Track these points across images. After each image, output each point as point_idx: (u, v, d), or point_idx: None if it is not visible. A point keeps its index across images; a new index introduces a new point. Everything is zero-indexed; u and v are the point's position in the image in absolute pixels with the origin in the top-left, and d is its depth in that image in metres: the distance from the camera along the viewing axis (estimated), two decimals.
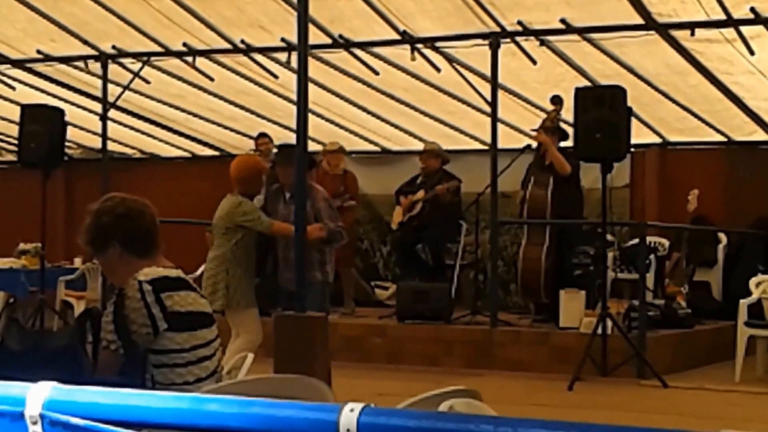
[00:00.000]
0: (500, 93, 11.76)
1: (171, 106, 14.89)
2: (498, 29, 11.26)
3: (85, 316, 4.34)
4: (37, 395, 2.01)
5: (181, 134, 16.11)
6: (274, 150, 13.24)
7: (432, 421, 1.85)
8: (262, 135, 13.42)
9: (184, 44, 12.70)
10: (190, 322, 4.21)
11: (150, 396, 2.05)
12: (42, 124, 11.17)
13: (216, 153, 16.71)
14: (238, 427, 1.93)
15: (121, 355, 4.14)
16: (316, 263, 8.77)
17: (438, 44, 11.87)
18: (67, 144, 12.43)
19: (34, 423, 1.99)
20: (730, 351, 10.33)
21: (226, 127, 15.58)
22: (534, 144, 11.70)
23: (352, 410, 1.84)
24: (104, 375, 4.04)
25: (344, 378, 7.92)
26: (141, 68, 13.13)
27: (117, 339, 4.14)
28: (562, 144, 11.32)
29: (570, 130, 10.64)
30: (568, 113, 10.82)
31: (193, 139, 16.29)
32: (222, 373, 4.41)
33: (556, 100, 11.27)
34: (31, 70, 13.90)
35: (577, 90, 10.15)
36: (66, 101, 14.03)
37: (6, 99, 14.74)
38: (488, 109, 11.68)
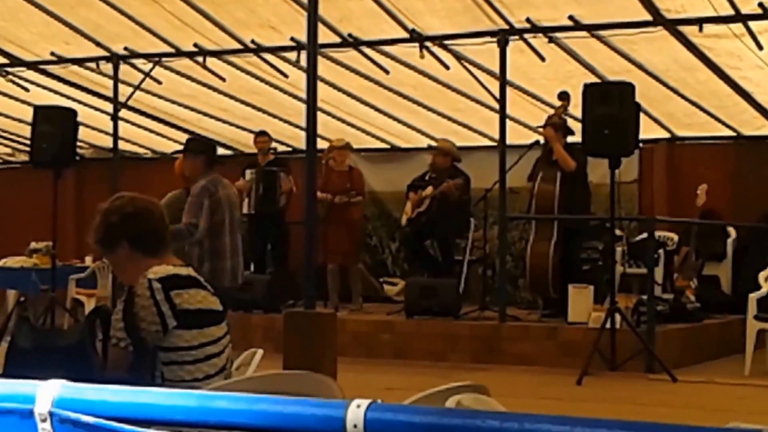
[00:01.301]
0: (509, 90, 11.76)
1: (182, 105, 14.93)
2: (506, 27, 11.25)
3: (95, 313, 4.37)
4: (46, 393, 2.02)
5: (192, 133, 16.12)
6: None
7: (438, 416, 1.86)
8: (262, 133, 13.49)
9: (195, 45, 12.74)
10: (200, 319, 4.24)
11: (159, 393, 2.07)
12: (54, 125, 11.19)
13: (228, 152, 16.73)
14: (246, 424, 1.94)
15: (131, 352, 4.17)
16: (195, 258, 8.25)
17: (447, 42, 11.87)
18: (78, 144, 12.47)
19: (44, 420, 2.01)
20: (739, 345, 10.33)
21: (237, 126, 15.61)
22: (542, 139, 11.73)
23: (358, 406, 1.85)
24: (114, 372, 4.07)
25: (352, 373, 7.94)
26: (152, 69, 13.17)
27: (126, 336, 4.17)
28: (570, 139, 11.33)
29: (578, 126, 10.65)
30: (576, 109, 10.83)
31: (205, 138, 16.32)
32: (231, 370, 4.44)
33: (563, 96, 11.27)
34: (44, 72, 13.95)
35: (586, 86, 10.15)
36: (78, 102, 14.06)
37: (19, 100, 14.80)
38: (497, 105, 11.69)
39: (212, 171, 8.65)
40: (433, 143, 13.91)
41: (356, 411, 1.84)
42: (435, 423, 1.83)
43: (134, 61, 13.28)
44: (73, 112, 11.58)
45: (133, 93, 13.34)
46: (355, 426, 1.83)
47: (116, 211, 4.35)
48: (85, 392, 2.05)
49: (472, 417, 1.84)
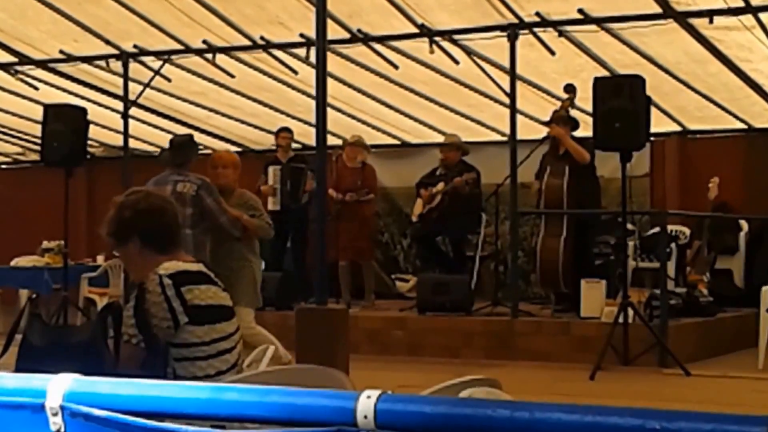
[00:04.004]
0: (519, 84, 11.75)
1: (192, 103, 14.95)
2: (516, 21, 11.24)
3: (107, 310, 4.37)
4: (57, 387, 2.03)
5: (202, 131, 16.14)
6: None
7: (448, 406, 1.85)
8: (285, 129, 13.46)
9: (204, 42, 12.75)
10: (210, 315, 4.23)
11: (169, 386, 2.07)
12: (65, 123, 11.20)
13: (237, 149, 16.74)
14: (257, 416, 1.94)
15: (143, 349, 4.17)
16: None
17: (456, 37, 11.87)
18: (89, 142, 12.49)
19: (55, 414, 2.02)
20: (752, 338, 10.29)
21: (246, 123, 15.62)
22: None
23: (369, 397, 1.85)
24: (126, 369, 4.07)
25: (365, 370, 7.93)
26: (161, 66, 13.19)
27: (138, 333, 4.16)
28: (576, 133, 11.30)
29: (588, 120, 10.62)
30: (586, 103, 10.81)
31: (214, 136, 16.33)
32: (243, 366, 4.43)
33: (569, 89, 11.25)
34: (53, 70, 13.97)
35: (596, 80, 10.12)
36: (88, 100, 14.09)
37: (29, 99, 14.82)
38: (507, 100, 11.68)
39: (168, 168, 8.82)
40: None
41: (367, 402, 1.84)
42: (446, 413, 1.83)
43: (144, 58, 13.30)
44: (84, 111, 11.60)
45: (143, 91, 13.36)
46: (365, 417, 1.83)
47: (129, 206, 4.35)
48: (96, 386, 2.05)
49: (482, 407, 1.83)
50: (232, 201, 8.70)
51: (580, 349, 10.31)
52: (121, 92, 13.50)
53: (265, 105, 14.72)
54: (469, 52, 12.00)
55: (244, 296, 8.56)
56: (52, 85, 14.35)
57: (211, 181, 8.67)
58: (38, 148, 13.45)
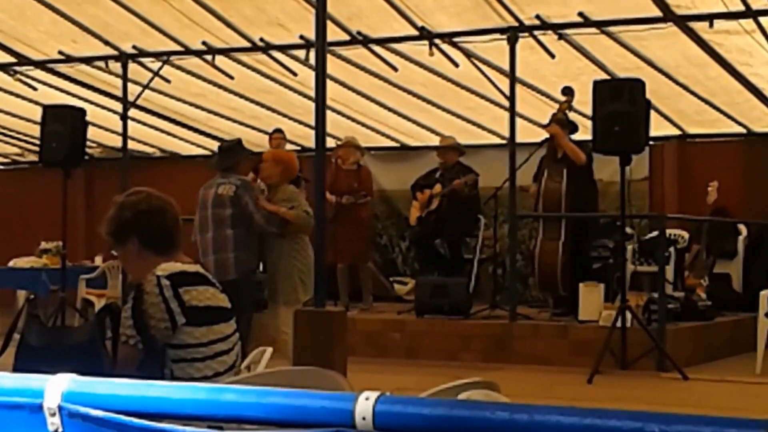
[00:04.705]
0: (518, 87, 11.74)
1: (191, 104, 14.94)
2: (516, 23, 11.25)
3: (105, 311, 4.36)
4: (55, 387, 2.02)
5: (201, 132, 16.16)
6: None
7: (448, 408, 1.85)
8: (277, 130, 13.47)
9: (204, 43, 12.74)
10: (208, 316, 4.22)
11: (167, 386, 2.06)
12: (63, 124, 11.19)
13: None
14: (256, 417, 1.93)
15: (140, 350, 4.16)
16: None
17: (456, 39, 11.87)
18: (88, 143, 12.48)
19: (53, 415, 2.01)
20: (750, 343, 10.28)
21: (246, 125, 15.61)
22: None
23: (367, 399, 1.84)
24: (123, 370, 4.05)
25: (363, 373, 7.91)
26: (161, 67, 13.18)
27: (136, 334, 4.15)
28: (575, 137, 11.30)
29: (587, 123, 10.62)
30: (586, 106, 10.80)
31: (214, 137, 16.32)
32: (240, 368, 4.43)
33: (567, 92, 11.25)
34: (52, 71, 13.96)
35: (596, 83, 10.11)
36: (87, 101, 14.08)
37: (28, 100, 14.82)
38: (507, 103, 11.68)
39: (219, 172, 9.18)
40: None
41: (365, 403, 1.83)
42: (444, 415, 1.82)
43: (143, 59, 13.29)
44: (82, 112, 11.59)
45: (142, 92, 13.34)
46: (363, 418, 1.82)
47: (130, 206, 4.34)
48: (94, 386, 2.04)
49: (481, 409, 1.82)
50: (277, 196, 8.91)
51: (578, 353, 10.31)
52: (120, 93, 13.49)
53: (265, 107, 14.72)
54: (468, 55, 12.00)
55: (282, 294, 8.69)
56: (51, 86, 14.34)
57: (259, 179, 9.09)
58: (37, 148, 13.46)
